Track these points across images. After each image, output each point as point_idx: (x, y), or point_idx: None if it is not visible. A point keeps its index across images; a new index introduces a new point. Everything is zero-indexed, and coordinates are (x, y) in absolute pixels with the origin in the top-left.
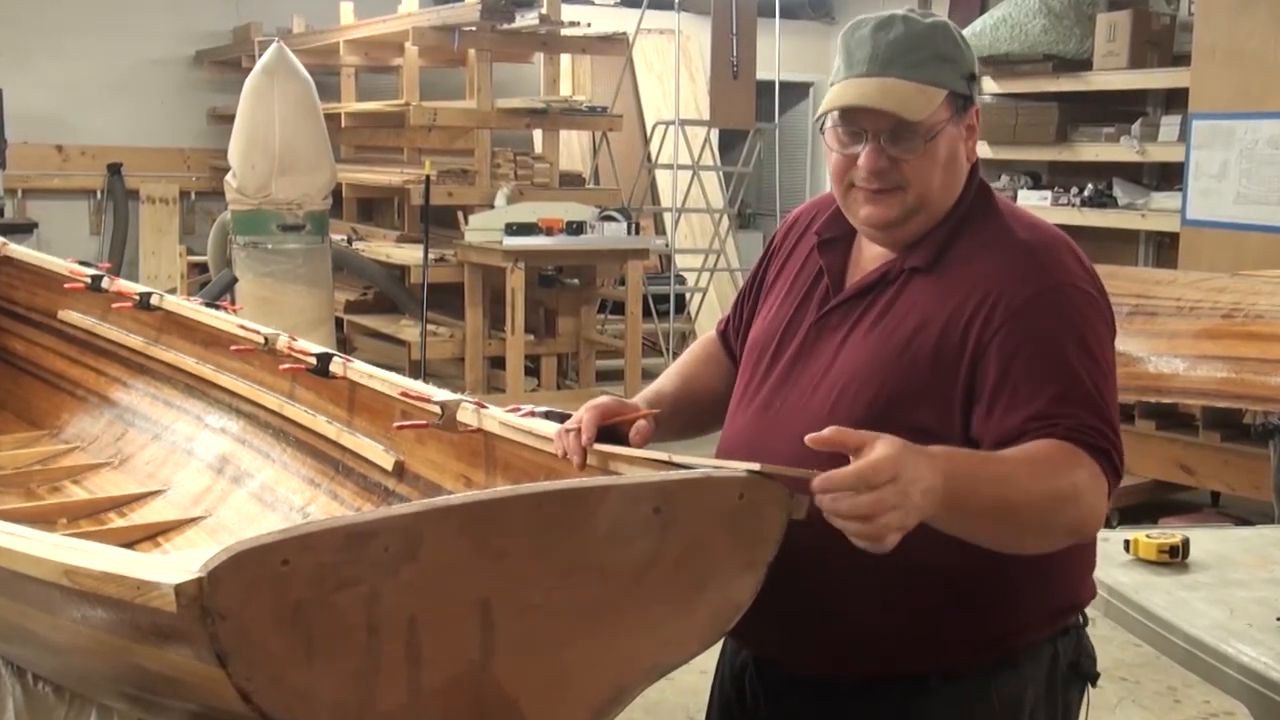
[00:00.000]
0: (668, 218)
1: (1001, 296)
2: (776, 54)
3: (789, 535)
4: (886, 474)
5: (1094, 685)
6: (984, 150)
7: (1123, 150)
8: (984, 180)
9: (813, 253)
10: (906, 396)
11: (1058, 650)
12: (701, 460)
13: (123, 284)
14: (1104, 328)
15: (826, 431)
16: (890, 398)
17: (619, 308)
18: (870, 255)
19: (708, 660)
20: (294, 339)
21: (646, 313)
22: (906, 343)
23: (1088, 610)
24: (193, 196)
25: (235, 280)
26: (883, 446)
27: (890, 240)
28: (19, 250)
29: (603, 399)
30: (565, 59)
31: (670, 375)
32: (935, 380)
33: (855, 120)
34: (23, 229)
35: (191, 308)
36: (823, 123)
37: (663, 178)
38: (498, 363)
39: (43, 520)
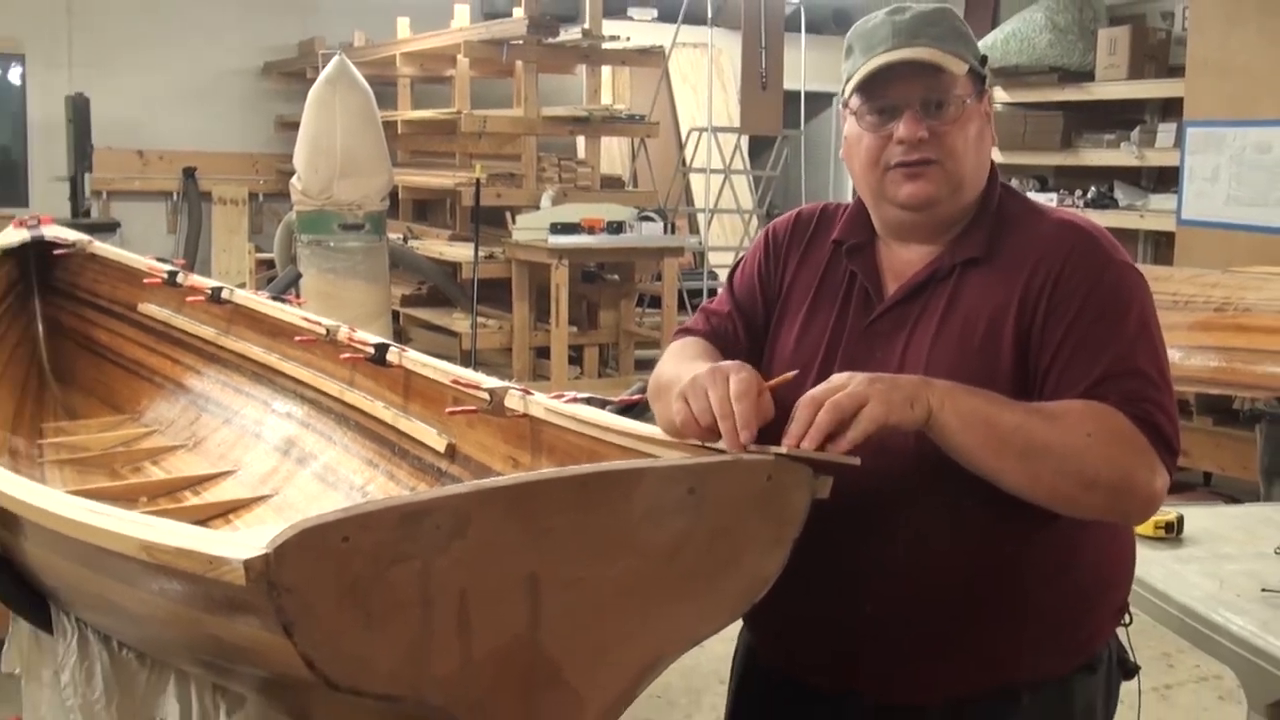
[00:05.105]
0: (701, 218)
1: (1066, 265)
2: (802, 66)
3: (891, 569)
4: (833, 386)
5: (1130, 679)
6: (995, 155)
7: (1123, 155)
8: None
9: (833, 260)
10: (995, 387)
11: (1111, 648)
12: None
13: (196, 279)
14: (1156, 313)
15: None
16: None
17: (656, 301)
18: (904, 259)
19: (737, 628)
20: (354, 330)
21: (681, 306)
22: (986, 336)
23: None
24: (261, 198)
25: (299, 276)
26: None
27: (924, 226)
28: (103, 248)
29: (747, 381)
30: (606, 70)
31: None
32: (1019, 362)
33: (887, 92)
34: (107, 228)
35: (259, 301)
36: (850, 110)
37: (696, 181)
38: (543, 352)
39: (125, 498)
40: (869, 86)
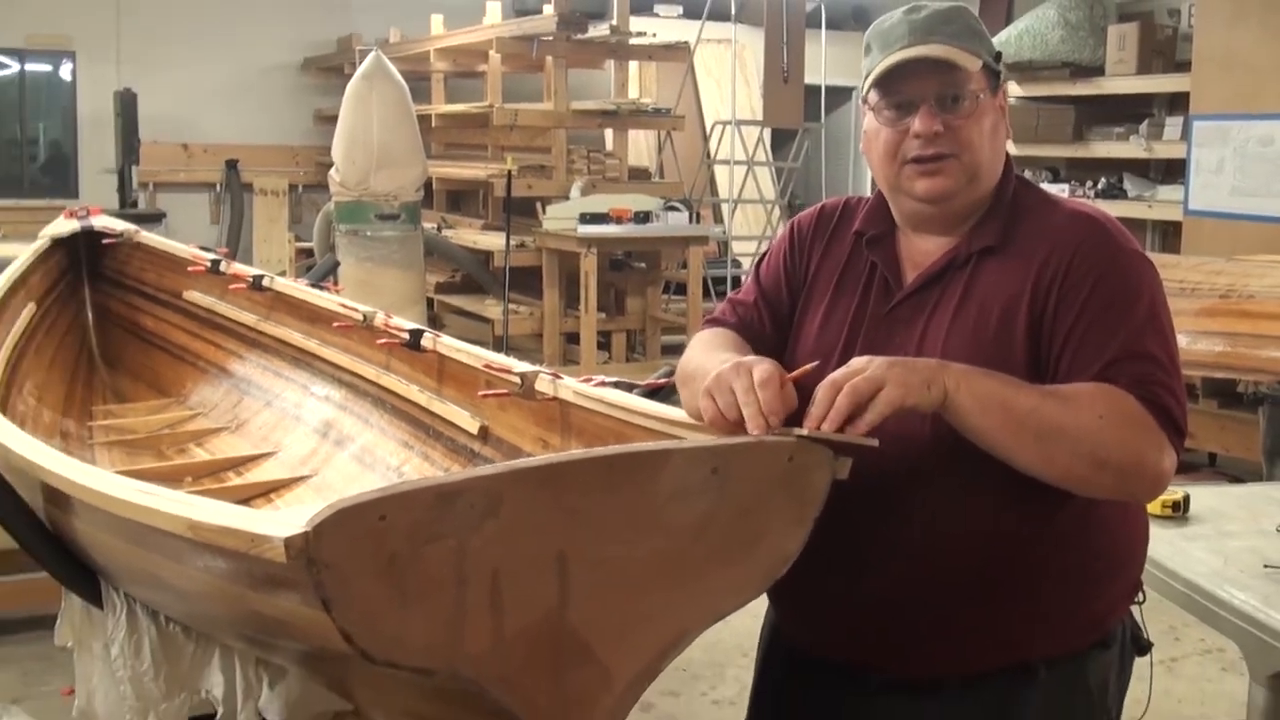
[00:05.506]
0: (725, 208)
1: (1077, 254)
2: (823, 61)
3: (908, 550)
4: (852, 370)
5: (1143, 655)
6: (1009, 148)
7: (1132, 148)
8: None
9: (855, 251)
10: (1009, 372)
11: (1124, 626)
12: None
13: (238, 267)
14: (1166, 300)
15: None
16: None
17: (681, 289)
18: (922, 249)
19: (760, 605)
20: (390, 316)
21: (706, 293)
22: (1001, 322)
23: None
24: (300, 189)
25: (337, 264)
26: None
27: (942, 217)
28: (150, 237)
29: (769, 372)
30: (633, 65)
31: (732, 352)
32: (1032, 348)
33: (904, 88)
34: (153, 218)
35: (298, 289)
36: (869, 105)
37: (720, 172)
38: (572, 338)
39: (171, 479)
40: (886, 83)
